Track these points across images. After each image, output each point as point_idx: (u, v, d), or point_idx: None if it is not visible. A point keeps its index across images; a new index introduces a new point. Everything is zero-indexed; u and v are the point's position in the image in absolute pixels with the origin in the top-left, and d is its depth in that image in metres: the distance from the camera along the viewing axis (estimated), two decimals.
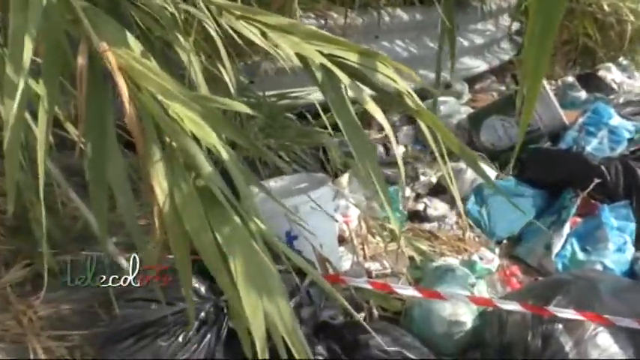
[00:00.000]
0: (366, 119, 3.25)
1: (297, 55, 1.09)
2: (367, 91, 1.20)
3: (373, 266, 2.33)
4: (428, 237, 2.51)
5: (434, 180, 2.92)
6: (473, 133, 3.19)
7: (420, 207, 2.71)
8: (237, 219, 0.87)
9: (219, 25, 1.16)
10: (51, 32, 0.84)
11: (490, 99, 3.95)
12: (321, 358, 1.63)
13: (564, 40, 4.77)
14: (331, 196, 2.22)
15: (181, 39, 1.12)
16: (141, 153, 0.85)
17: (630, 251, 2.28)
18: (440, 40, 1.90)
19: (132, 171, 1.98)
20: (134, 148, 1.21)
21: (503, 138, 3.05)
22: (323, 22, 2.85)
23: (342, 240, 2.41)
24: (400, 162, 1.44)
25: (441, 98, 3.41)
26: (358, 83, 1.16)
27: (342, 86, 1.12)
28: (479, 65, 4.12)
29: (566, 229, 2.36)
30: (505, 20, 4.55)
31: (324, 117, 2.14)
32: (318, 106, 2.27)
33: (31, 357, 1.73)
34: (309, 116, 2.65)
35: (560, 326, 1.59)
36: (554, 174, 2.69)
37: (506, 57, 4.51)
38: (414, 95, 1.21)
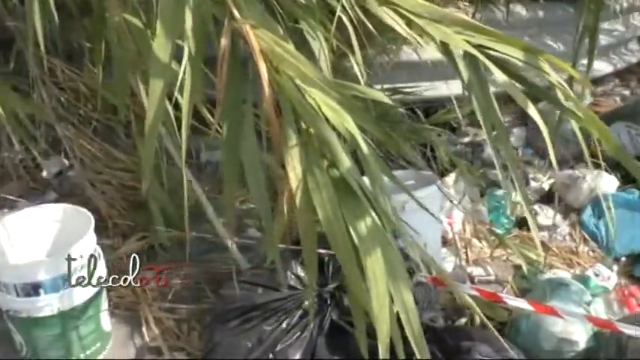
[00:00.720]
0: (477, 119, 3.16)
1: (442, 44, 1.05)
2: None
3: (476, 271, 2.25)
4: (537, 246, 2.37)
5: (546, 187, 2.76)
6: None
7: None
8: (373, 213, 0.85)
9: (357, 10, 1.14)
10: (199, 11, 0.86)
11: (613, 104, 3.67)
12: None
13: None
14: (438, 196, 2.16)
15: (314, 25, 1.12)
16: (276, 137, 0.85)
17: None
18: (579, 37, 1.76)
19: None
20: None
21: (627, 146, 2.82)
22: None
23: (444, 242, 2.35)
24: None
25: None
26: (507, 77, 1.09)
27: (488, 79, 1.07)
28: (603, 68, 3.83)
29: None
30: (636, 20, 4.19)
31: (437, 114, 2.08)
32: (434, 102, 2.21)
33: (144, 326, 1.84)
34: (419, 113, 2.60)
35: None
36: None
37: (633, 59, 4.16)
38: (570, 90, 1.12)
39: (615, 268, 2.24)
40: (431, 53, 2.56)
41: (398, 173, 2.26)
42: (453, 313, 1.92)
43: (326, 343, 1.55)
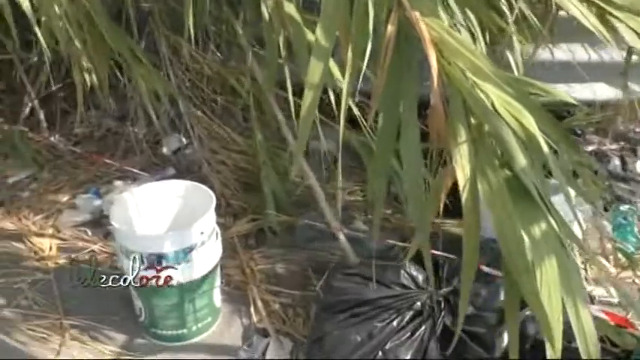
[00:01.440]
0: (602, 126, 2.92)
1: None
2: None
3: (596, 291, 2.09)
4: None
5: None
6: None
7: None
8: (551, 220, 0.79)
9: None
10: None
11: None
12: None
13: None
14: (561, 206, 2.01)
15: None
16: (441, 132, 0.80)
17: None
18: None
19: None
20: None
21: None
22: None
23: None
24: None
25: None
26: None
27: None
28: None
29: None
30: None
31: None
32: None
33: (251, 306, 1.87)
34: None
35: None
36: None
37: None
38: None
39: None
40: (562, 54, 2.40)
41: None
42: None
43: (438, 348, 1.49)
